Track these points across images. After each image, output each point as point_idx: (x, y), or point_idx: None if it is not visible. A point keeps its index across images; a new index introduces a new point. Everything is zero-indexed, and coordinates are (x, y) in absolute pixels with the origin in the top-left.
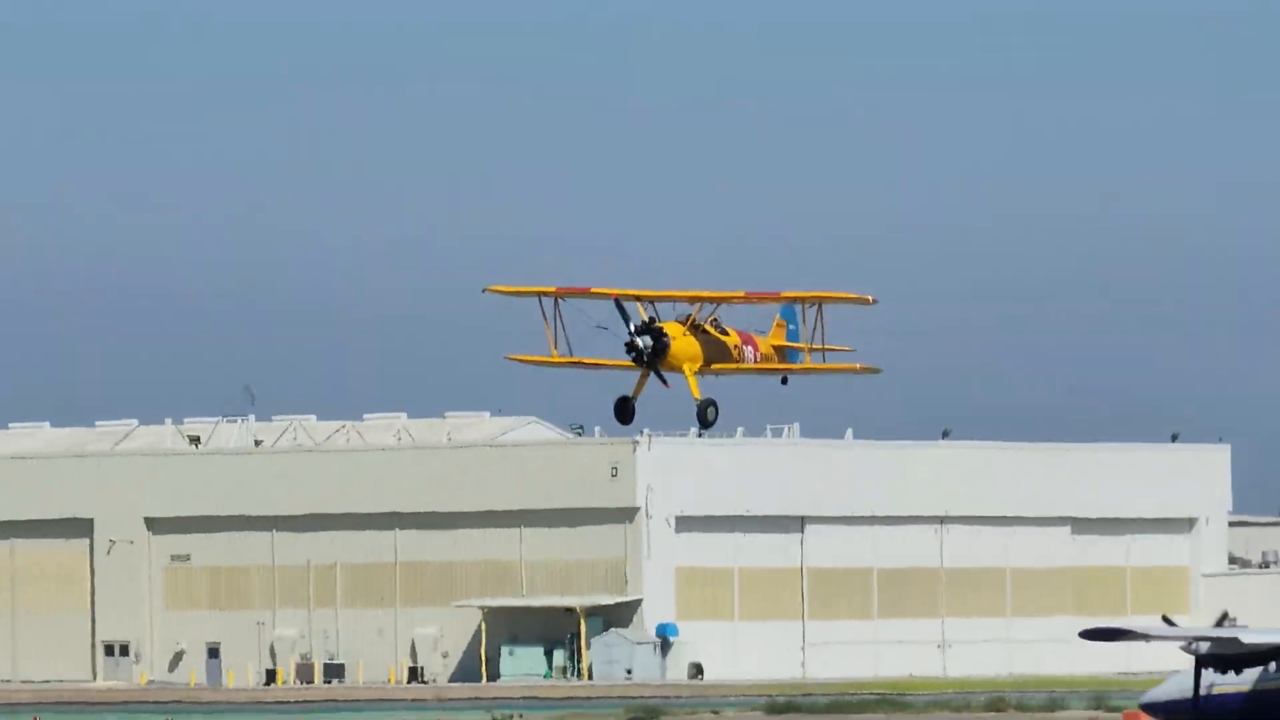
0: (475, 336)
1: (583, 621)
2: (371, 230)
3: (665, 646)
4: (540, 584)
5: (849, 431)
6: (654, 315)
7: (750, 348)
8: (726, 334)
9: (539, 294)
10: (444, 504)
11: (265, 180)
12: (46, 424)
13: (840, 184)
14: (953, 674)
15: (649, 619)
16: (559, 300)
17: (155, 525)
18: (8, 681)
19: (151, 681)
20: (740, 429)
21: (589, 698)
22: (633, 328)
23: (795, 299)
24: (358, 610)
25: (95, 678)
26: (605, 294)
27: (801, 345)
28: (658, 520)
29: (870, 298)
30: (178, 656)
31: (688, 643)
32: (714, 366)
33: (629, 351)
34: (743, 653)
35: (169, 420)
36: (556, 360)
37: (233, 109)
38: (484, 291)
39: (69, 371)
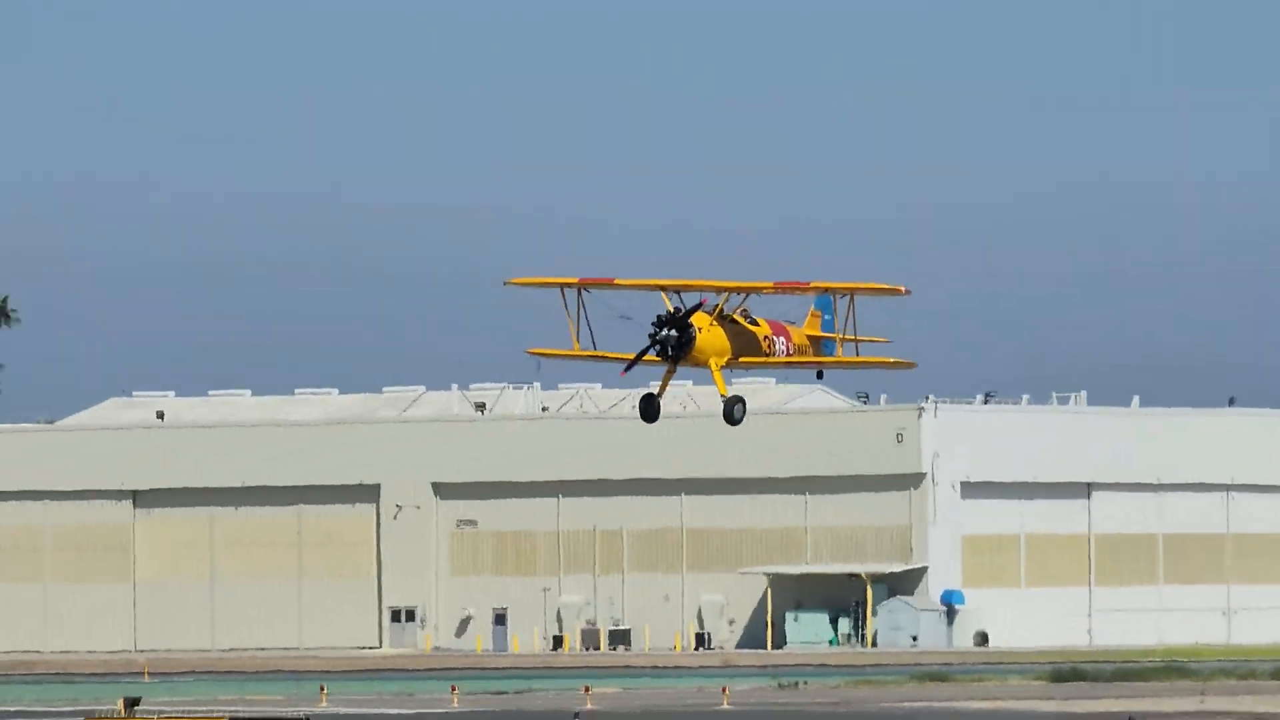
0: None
1: (868, 588)
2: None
3: (950, 614)
4: (825, 551)
5: (1135, 399)
6: (679, 306)
7: (783, 339)
8: (757, 324)
9: (561, 285)
10: (730, 471)
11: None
12: (335, 391)
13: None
14: (1238, 641)
15: (934, 586)
16: (581, 292)
17: (442, 491)
18: (294, 648)
19: (437, 647)
20: (1025, 396)
21: (874, 665)
22: (656, 318)
23: (826, 289)
24: (643, 576)
25: (381, 644)
26: (629, 285)
27: (837, 336)
28: (943, 487)
29: (903, 288)
30: (464, 622)
31: (973, 610)
32: (743, 360)
33: (653, 344)
34: (1028, 620)
35: (455, 386)
36: (578, 354)
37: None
38: (505, 284)
39: (356, 339)
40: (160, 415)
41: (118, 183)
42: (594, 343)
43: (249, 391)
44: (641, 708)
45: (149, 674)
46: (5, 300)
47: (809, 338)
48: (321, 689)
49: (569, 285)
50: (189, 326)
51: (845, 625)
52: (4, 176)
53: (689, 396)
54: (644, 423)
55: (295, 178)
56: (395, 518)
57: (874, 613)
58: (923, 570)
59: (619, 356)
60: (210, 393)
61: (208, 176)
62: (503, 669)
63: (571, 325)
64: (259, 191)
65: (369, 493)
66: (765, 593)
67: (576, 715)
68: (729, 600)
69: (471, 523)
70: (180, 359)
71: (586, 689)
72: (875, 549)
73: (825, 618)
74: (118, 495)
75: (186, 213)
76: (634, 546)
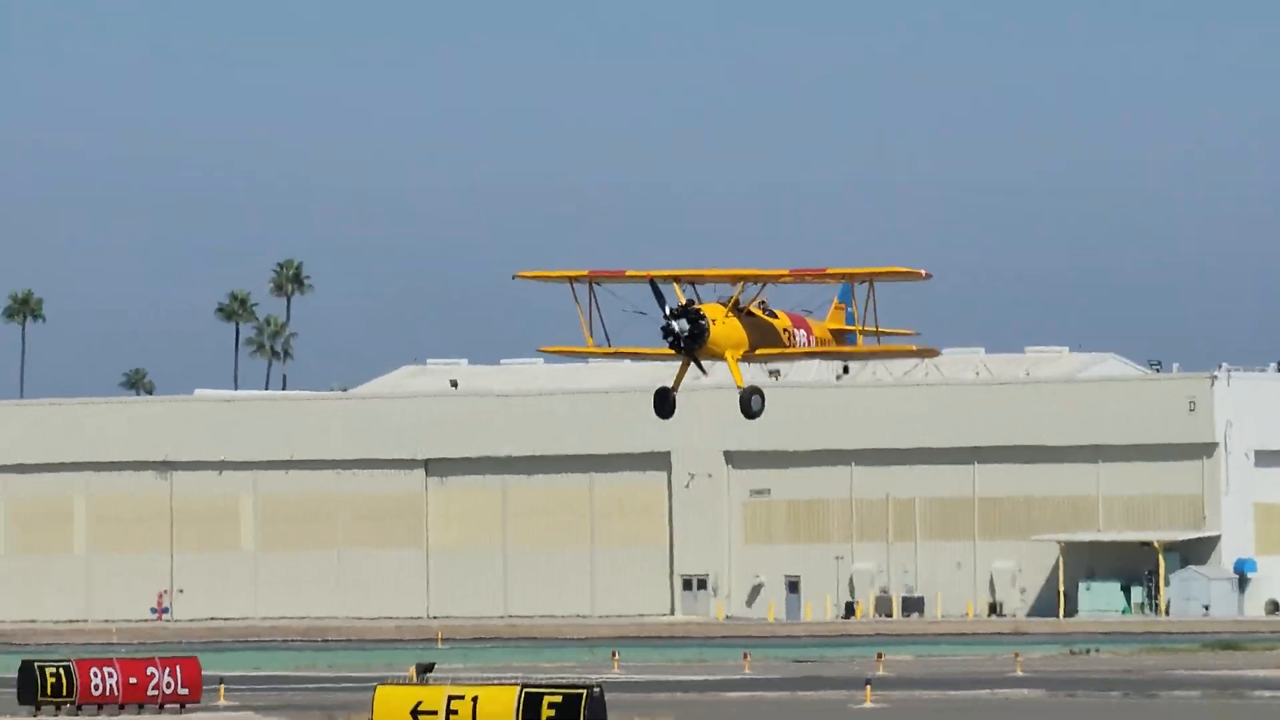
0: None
1: (1160, 557)
2: None
3: (1242, 582)
4: (1117, 519)
5: None
6: (693, 298)
7: (803, 332)
8: (775, 316)
9: (570, 279)
10: (1022, 439)
11: None
12: (625, 360)
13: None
14: None
15: (1226, 555)
16: (594, 285)
17: (734, 459)
18: (585, 616)
19: (729, 616)
20: None
21: (1167, 633)
22: (668, 311)
23: (844, 275)
24: (936, 544)
25: (673, 612)
26: (641, 276)
27: (858, 329)
28: (1236, 455)
29: (923, 272)
30: (756, 590)
31: (1265, 578)
32: (760, 352)
33: (665, 337)
34: None
35: None
36: (592, 350)
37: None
38: (513, 278)
39: None
40: (454, 384)
41: (411, 160)
42: (608, 338)
43: (541, 360)
44: (934, 674)
45: (441, 640)
46: (299, 267)
47: (832, 331)
48: (613, 655)
49: (578, 279)
50: (481, 296)
51: (1138, 594)
52: (297, 146)
53: (982, 364)
54: (659, 417)
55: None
56: (687, 486)
57: (1166, 582)
58: (1215, 539)
59: (635, 352)
60: (502, 361)
61: (487, 149)
62: (795, 637)
63: (584, 320)
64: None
65: (660, 461)
66: (1057, 561)
67: (868, 682)
68: (1021, 568)
69: (764, 491)
70: (472, 326)
71: (879, 656)
72: (1167, 517)
73: (1117, 586)
74: (410, 465)
75: (482, 184)
76: (926, 514)
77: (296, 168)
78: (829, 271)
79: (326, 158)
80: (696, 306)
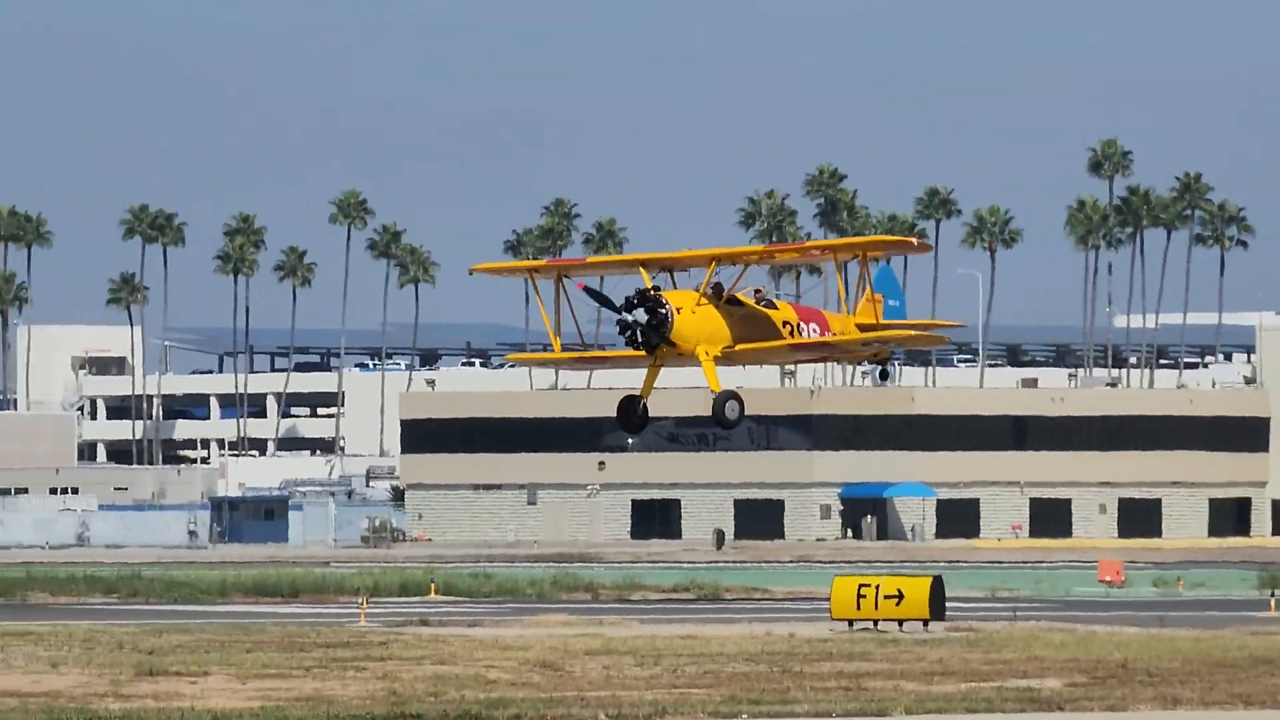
0: None
1: None
2: None
3: None
4: None
5: None
6: (659, 285)
7: (814, 326)
8: (775, 307)
9: (529, 269)
10: None
11: None
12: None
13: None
14: None
15: None
16: (562, 277)
17: None
18: None
19: None
20: None
21: None
22: (624, 299)
23: (827, 247)
24: None
25: None
26: (604, 263)
27: (913, 323)
28: None
29: (915, 241)
30: None
31: None
32: (744, 348)
33: (621, 332)
34: None
35: None
36: (560, 356)
37: None
38: (470, 272)
39: None
40: None
41: None
42: (581, 338)
43: None
44: None
45: None
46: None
47: (864, 328)
48: None
49: (536, 269)
50: None
51: None
52: None
53: None
54: (625, 432)
55: None
56: None
57: None
58: None
59: (605, 356)
60: None
61: None
62: None
63: (547, 320)
64: None
65: None
66: None
67: None
68: None
69: None
70: None
71: None
72: None
73: None
74: None
75: None
76: None
77: None
78: (807, 245)
79: None
80: (658, 292)
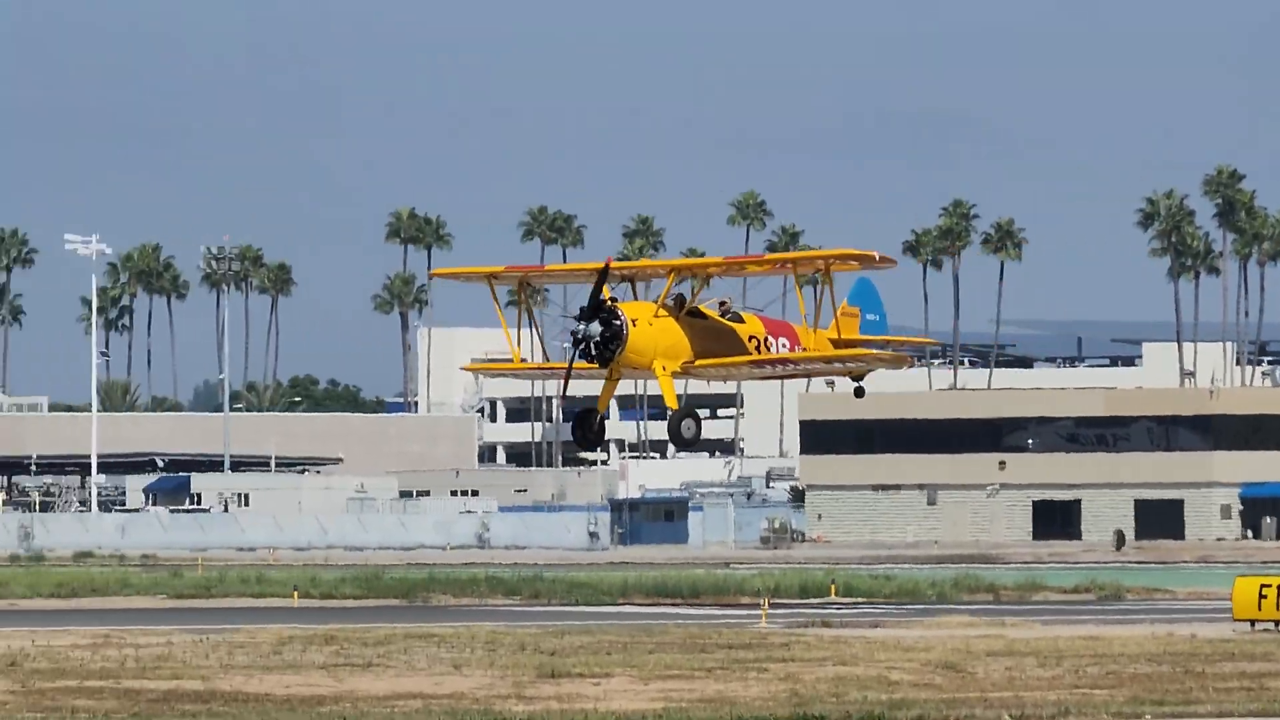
0: None
1: None
2: None
3: None
4: None
5: None
6: (616, 296)
7: (784, 341)
8: (742, 321)
9: (487, 275)
10: None
11: None
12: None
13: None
14: None
15: None
16: (525, 284)
17: None
18: None
19: None
20: None
21: None
22: (579, 310)
23: (787, 260)
24: None
25: None
26: (562, 270)
27: (892, 340)
28: None
29: (876, 255)
30: None
31: None
32: (705, 363)
33: (574, 345)
34: None
35: None
36: (519, 367)
37: None
38: (429, 276)
39: None
40: None
41: None
42: (544, 348)
43: None
44: None
45: None
46: None
47: (838, 343)
48: None
49: (495, 275)
50: None
51: None
52: None
53: None
54: (580, 447)
55: None
56: None
57: None
58: None
59: (565, 367)
60: None
61: None
62: None
63: (507, 329)
64: None
65: None
66: None
67: None
68: None
69: None
70: None
71: None
72: None
73: None
74: None
75: None
76: None
77: None
78: (768, 257)
79: None
80: (612, 303)
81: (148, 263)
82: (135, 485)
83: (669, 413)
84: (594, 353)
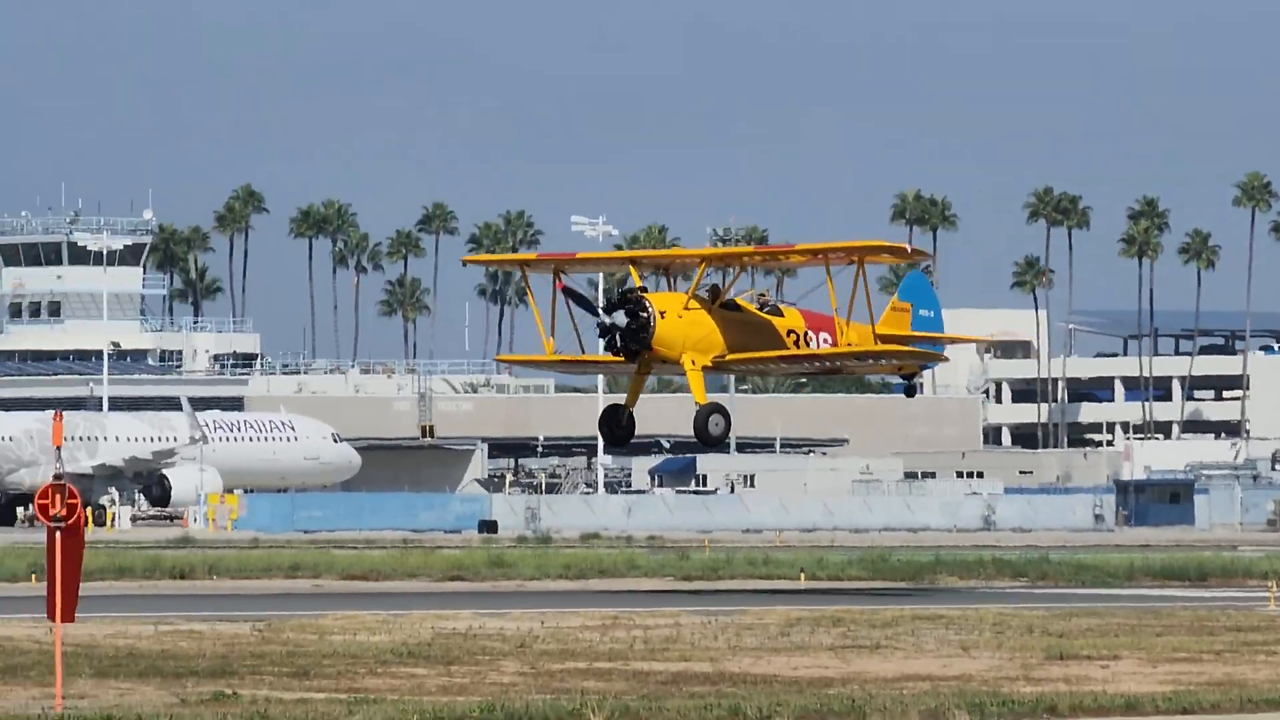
0: None
1: None
2: None
3: None
4: None
5: None
6: (646, 286)
7: (824, 335)
8: (781, 314)
9: (519, 262)
10: None
11: None
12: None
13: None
14: None
15: None
16: (559, 273)
17: None
18: None
19: None
20: None
21: None
22: (605, 302)
23: (820, 250)
24: None
25: None
26: (594, 259)
27: (942, 338)
28: None
29: (908, 248)
30: None
31: None
32: (736, 356)
33: (601, 336)
34: None
35: None
36: (551, 359)
37: None
38: (463, 263)
39: None
40: None
41: None
42: (579, 337)
43: None
44: None
45: None
46: None
47: (885, 339)
48: None
49: (528, 262)
50: None
51: None
52: None
53: None
54: (609, 444)
55: None
56: None
57: None
58: None
59: (595, 360)
60: None
61: None
62: None
63: (539, 319)
64: None
65: None
66: None
67: None
68: None
69: None
70: None
71: None
72: None
73: None
74: None
75: None
76: None
77: None
78: (799, 247)
79: None
80: (640, 294)
81: (653, 243)
82: (641, 466)
83: (696, 408)
84: (620, 345)
